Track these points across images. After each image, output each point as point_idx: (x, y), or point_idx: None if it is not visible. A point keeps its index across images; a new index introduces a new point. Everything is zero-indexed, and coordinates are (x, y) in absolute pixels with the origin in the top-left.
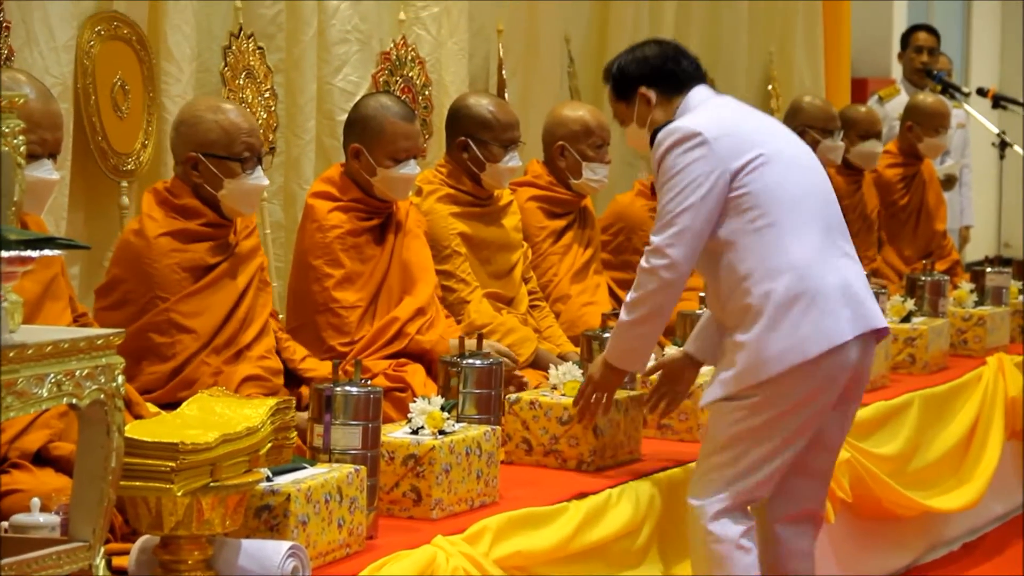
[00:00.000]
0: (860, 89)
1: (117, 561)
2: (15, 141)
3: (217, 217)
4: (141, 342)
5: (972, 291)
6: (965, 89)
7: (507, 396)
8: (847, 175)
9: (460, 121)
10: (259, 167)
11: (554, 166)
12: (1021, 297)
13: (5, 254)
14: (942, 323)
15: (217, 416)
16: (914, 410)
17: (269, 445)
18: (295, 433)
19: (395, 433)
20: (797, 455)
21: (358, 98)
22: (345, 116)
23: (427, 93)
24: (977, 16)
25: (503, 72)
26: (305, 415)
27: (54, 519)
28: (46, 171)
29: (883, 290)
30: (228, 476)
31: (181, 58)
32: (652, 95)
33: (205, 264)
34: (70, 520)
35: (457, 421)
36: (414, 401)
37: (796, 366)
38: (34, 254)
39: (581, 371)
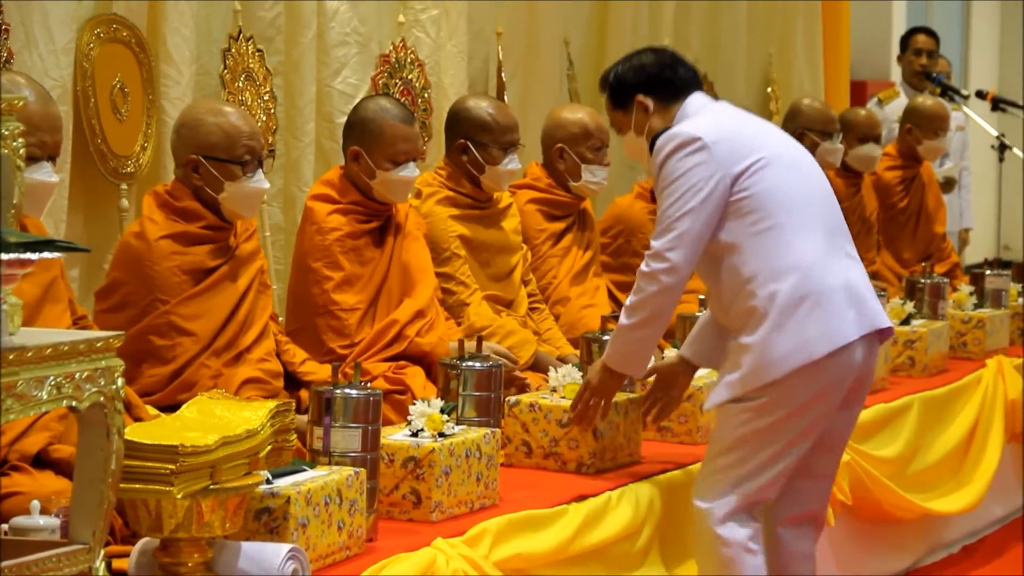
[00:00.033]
0: (859, 91)
1: (117, 564)
2: (14, 144)
3: (218, 220)
4: (141, 345)
5: (971, 294)
6: (964, 92)
7: (507, 399)
8: (846, 178)
9: (459, 124)
10: (260, 170)
11: (553, 168)
12: (1020, 299)
13: (5, 256)
14: (942, 326)
15: (217, 419)
16: (914, 412)
17: (269, 448)
18: (295, 436)
19: (395, 435)
20: (802, 457)
21: (357, 101)
22: (344, 119)
23: (426, 96)
24: (976, 18)
25: (502, 74)
26: (304, 418)
27: (54, 522)
28: (45, 174)
29: (883, 292)
30: (228, 479)
31: (180, 61)
32: (649, 103)
33: (205, 267)
34: (70, 523)
35: (457, 424)
36: (414, 403)
37: (802, 367)
38: (33, 257)
39: (581, 373)
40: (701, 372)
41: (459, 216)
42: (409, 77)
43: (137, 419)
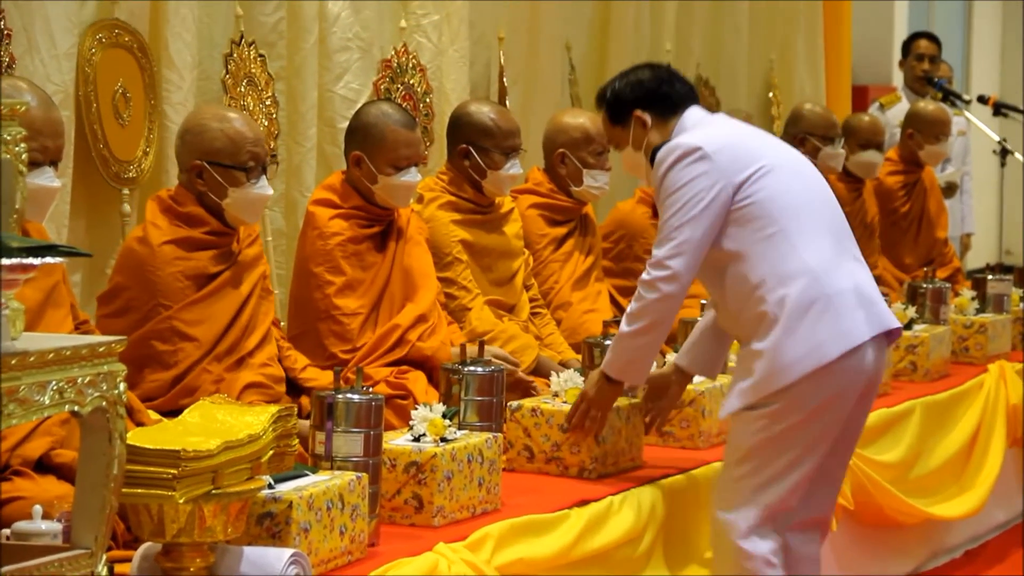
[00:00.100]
0: (861, 96)
1: (119, 568)
2: (17, 149)
3: (221, 225)
4: (143, 350)
5: (973, 298)
6: (966, 97)
7: (508, 403)
8: (848, 183)
9: (461, 128)
10: (263, 176)
11: (555, 173)
12: (1022, 304)
13: (7, 262)
14: (943, 330)
15: (219, 423)
16: (916, 417)
17: (271, 452)
18: (297, 440)
19: (397, 440)
20: (818, 463)
21: (359, 105)
22: (346, 123)
23: (428, 100)
24: (978, 24)
25: (504, 79)
26: (306, 422)
27: (56, 526)
28: (47, 179)
29: (884, 297)
30: (230, 483)
31: (182, 66)
32: (647, 118)
33: (208, 272)
34: (72, 527)
35: (459, 428)
36: (416, 408)
37: (815, 370)
38: (36, 262)
39: (582, 378)
40: (700, 376)
41: (461, 221)
42: (411, 82)
43: (139, 424)
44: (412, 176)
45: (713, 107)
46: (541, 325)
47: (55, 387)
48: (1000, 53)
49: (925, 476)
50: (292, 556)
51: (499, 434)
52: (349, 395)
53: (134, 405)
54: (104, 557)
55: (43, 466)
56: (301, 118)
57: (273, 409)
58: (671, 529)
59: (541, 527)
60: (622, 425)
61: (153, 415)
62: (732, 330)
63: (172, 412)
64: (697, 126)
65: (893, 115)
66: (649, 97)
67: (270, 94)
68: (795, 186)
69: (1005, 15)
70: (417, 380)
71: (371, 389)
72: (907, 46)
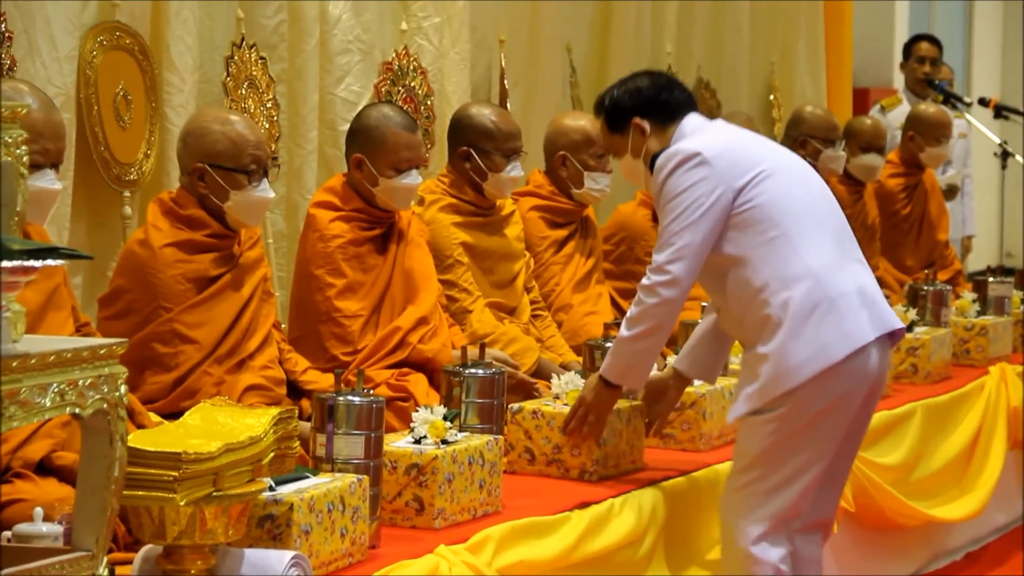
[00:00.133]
0: (862, 99)
1: (120, 571)
2: (18, 151)
3: (222, 228)
4: (144, 352)
5: (974, 301)
6: (967, 99)
7: (509, 406)
8: (849, 185)
9: (462, 131)
10: (265, 180)
11: (556, 176)
12: (1023, 307)
13: (8, 264)
14: (944, 333)
15: (220, 426)
16: (917, 420)
17: (272, 454)
18: (298, 443)
19: (398, 443)
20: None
21: (360, 108)
22: (347, 126)
23: (429, 103)
24: (978, 26)
25: (505, 82)
26: (307, 424)
27: (57, 529)
28: (48, 181)
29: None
30: (231, 485)
31: (183, 68)
32: (646, 125)
33: (209, 275)
34: (73, 529)
35: (459, 431)
36: (416, 410)
37: (820, 372)
38: (37, 264)
39: (583, 380)
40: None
41: (462, 223)
42: (412, 84)
43: (140, 426)
44: (413, 178)
45: (714, 109)
46: (542, 327)
47: (56, 389)
48: (1001, 55)
49: (926, 478)
50: (293, 558)
51: (500, 436)
52: (350, 397)
53: (135, 407)
54: (105, 559)
55: (44, 468)
56: (302, 120)
57: (274, 411)
58: (672, 531)
59: (542, 529)
60: (623, 427)
61: (154, 417)
62: (735, 334)
63: (173, 414)
64: (696, 132)
65: (894, 117)
66: (648, 104)
67: (271, 96)
68: (796, 189)
69: (1006, 16)
70: (418, 382)
71: (372, 391)
72: (908, 48)
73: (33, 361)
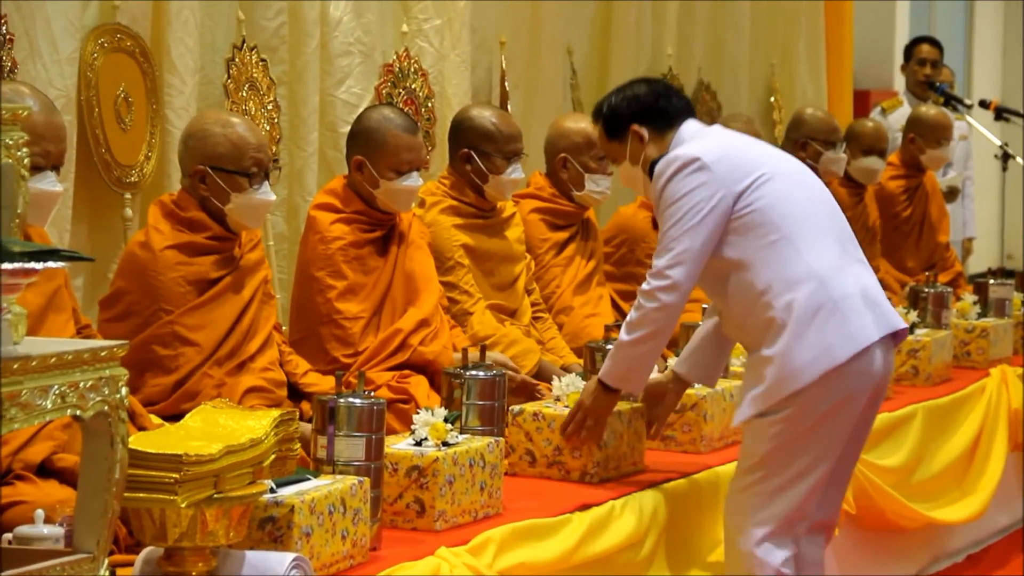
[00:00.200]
0: (862, 101)
1: (121, 572)
2: (19, 153)
3: (223, 230)
4: (144, 354)
5: (975, 303)
6: (967, 101)
7: (510, 407)
8: (849, 187)
9: (463, 133)
10: (266, 182)
11: (557, 178)
12: None
13: (9, 266)
14: (945, 335)
15: (221, 428)
16: (917, 422)
17: (273, 456)
18: (299, 445)
19: (399, 445)
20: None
21: (361, 110)
22: (348, 128)
23: (430, 105)
24: (979, 29)
25: (506, 84)
26: (308, 426)
27: (58, 531)
28: (49, 183)
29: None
30: (232, 487)
31: (184, 70)
32: (644, 132)
33: (210, 277)
34: (74, 532)
35: (460, 433)
36: (417, 413)
37: (825, 374)
38: (38, 266)
39: (584, 382)
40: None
41: (463, 225)
42: (412, 87)
43: (141, 428)
44: (414, 180)
45: (715, 111)
46: (543, 329)
47: (57, 391)
48: (1002, 57)
49: (927, 480)
50: (294, 560)
51: (501, 438)
52: (351, 399)
53: (136, 409)
54: (106, 561)
55: (45, 470)
56: (303, 123)
57: (275, 413)
58: (673, 533)
59: (543, 531)
60: (624, 429)
61: (155, 419)
62: (739, 338)
63: (174, 416)
64: (695, 138)
65: (895, 119)
66: (646, 111)
67: (272, 99)
68: (796, 192)
69: (1006, 19)
70: (419, 384)
71: (373, 393)
72: (909, 50)
73: (34, 363)
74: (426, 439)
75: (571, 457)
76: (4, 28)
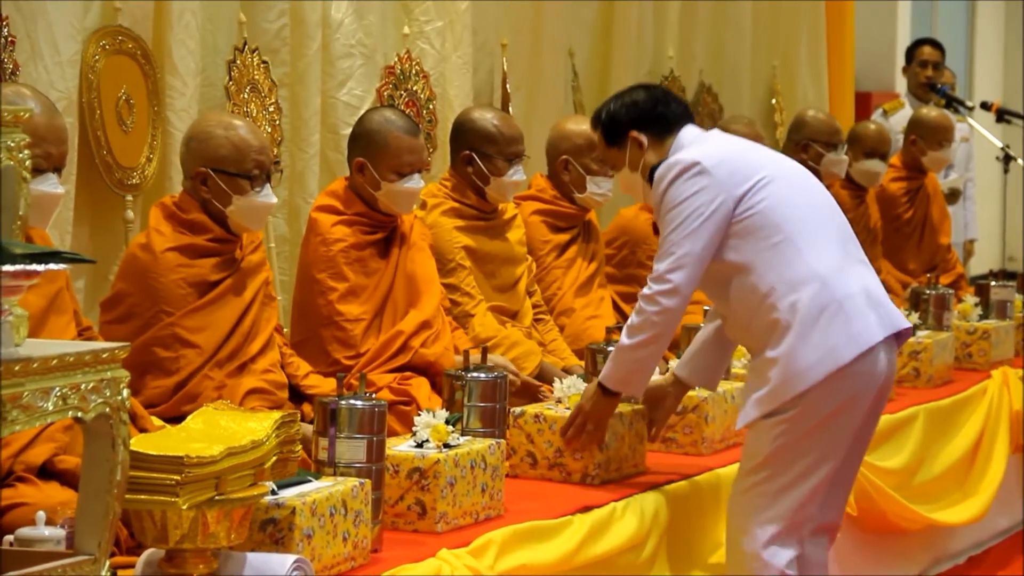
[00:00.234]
0: (864, 103)
1: (122, 574)
2: (20, 155)
3: (224, 233)
4: (145, 356)
5: (976, 305)
6: (969, 103)
7: (511, 409)
8: (851, 190)
9: (464, 135)
10: (268, 184)
11: (558, 180)
12: None
13: (10, 268)
14: (947, 336)
15: (222, 429)
16: (919, 423)
17: (274, 458)
18: (300, 446)
19: (400, 446)
20: (835, 468)
21: (362, 112)
22: (349, 130)
23: (431, 107)
24: (981, 31)
25: (507, 86)
26: (310, 427)
27: (59, 532)
28: (51, 185)
29: None
30: (233, 489)
31: (186, 72)
32: (644, 138)
33: (210, 279)
34: (75, 533)
35: (462, 434)
36: (419, 414)
37: (830, 375)
38: (39, 268)
39: (585, 384)
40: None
41: (464, 227)
42: (414, 88)
43: (142, 430)
44: (415, 182)
45: (716, 113)
46: (544, 331)
47: (58, 393)
48: (1003, 59)
49: (928, 482)
50: (295, 562)
51: (502, 440)
52: (352, 401)
53: (137, 411)
54: (107, 563)
55: (46, 472)
56: (304, 125)
57: (276, 415)
58: (674, 535)
59: (544, 533)
60: (625, 431)
61: (156, 421)
62: (742, 341)
63: (175, 419)
64: (694, 143)
65: (896, 121)
66: (645, 118)
67: (273, 101)
68: (797, 194)
69: (1008, 21)
70: (420, 386)
71: (374, 395)
72: (910, 52)
73: (35, 365)
74: (427, 441)
75: (572, 459)
76: (6, 30)
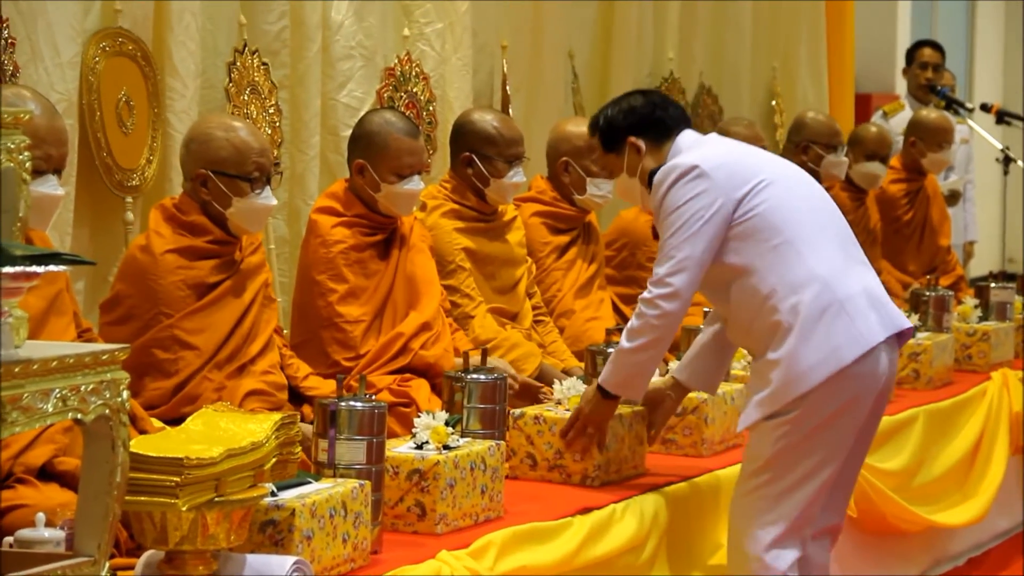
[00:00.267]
0: (864, 105)
1: None
2: (20, 157)
3: (224, 234)
4: (144, 358)
5: (976, 306)
6: (969, 105)
7: (511, 411)
8: (851, 192)
9: (464, 137)
10: (268, 187)
11: (558, 182)
12: None
13: (10, 270)
14: (946, 338)
15: (222, 431)
16: (919, 425)
17: (274, 460)
18: (300, 448)
19: (400, 448)
20: (837, 470)
21: (362, 114)
22: (349, 132)
23: (431, 109)
24: (981, 32)
25: (507, 88)
26: (309, 427)
27: (59, 534)
28: (51, 187)
29: None
30: (233, 491)
31: (186, 74)
32: (641, 144)
33: (209, 281)
34: (75, 535)
35: (461, 436)
36: (418, 416)
37: (832, 375)
38: (39, 269)
39: (586, 386)
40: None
41: (464, 229)
42: (414, 90)
43: (142, 432)
44: (415, 184)
45: (716, 115)
46: (544, 333)
47: (58, 395)
48: (1003, 61)
49: (928, 484)
50: (295, 563)
51: (502, 442)
52: (352, 403)
53: (137, 413)
54: (107, 565)
55: (46, 474)
56: (304, 126)
57: (276, 417)
58: (674, 537)
59: (544, 535)
60: (625, 433)
61: (156, 423)
62: (743, 343)
63: (174, 420)
64: (692, 147)
65: (896, 123)
66: (642, 123)
67: (273, 102)
68: (796, 196)
69: (1008, 22)
70: (420, 388)
71: (374, 397)
72: (911, 54)
73: (35, 367)
74: (427, 442)
75: (572, 460)
76: (6, 32)
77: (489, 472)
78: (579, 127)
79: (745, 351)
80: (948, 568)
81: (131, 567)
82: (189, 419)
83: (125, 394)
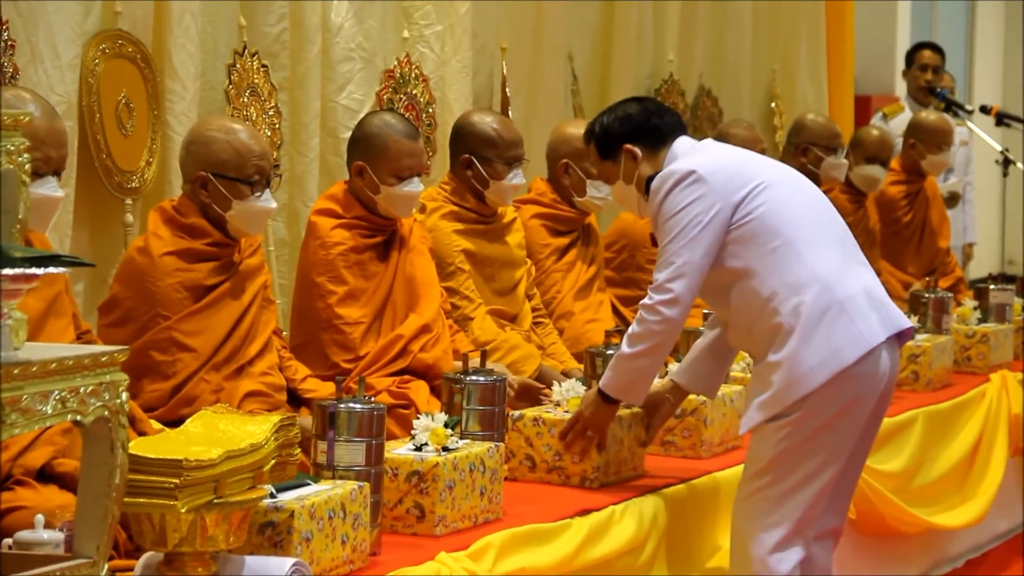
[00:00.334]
0: (864, 107)
1: None
2: (20, 159)
3: (223, 237)
4: (142, 360)
5: (976, 308)
6: (968, 107)
7: (510, 413)
8: (850, 194)
9: (464, 139)
10: (267, 189)
11: (558, 184)
12: None
13: (10, 271)
14: (946, 340)
15: (221, 433)
16: (918, 427)
17: (273, 461)
18: (299, 449)
19: (399, 450)
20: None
21: (362, 116)
22: (349, 134)
23: (431, 111)
24: (981, 33)
25: (507, 90)
26: (307, 421)
27: (58, 536)
28: (51, 188)
29: None
30: (232, 492)
31: (185, 76)
32: (637, 151)
33: (208, 284)
34: (74, 537)
35: (460, 438)
36: (418, 418)
37: (833, 376)
38: (38, 271)
39: (585, 387)
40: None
41: (463, 231)
42: (413, 92)
43: (141, 433)
44: (414, 186)
45: (716, 117)
46: (543, 335)
47: (57, 397)
48: (1003, 63)
49: (927, 486)
50: (294, 565)
51: (501, 443)
52: (351, 404)
53: (136, 414)
54: (106, 566)
55: (45, 475)
56: (304, 128)
57: (275, 418)
58: (673, 538)
59: (543, 536)
60: (624, 435)
61: (155, 424)
62: (744, 346)
63: (173, 422)
64: (688, 153)
65: (896, 125)
66: (638, 130)
67: (273, 104)
68: (794, 199)
69: (1007, 24)
70: (419, 390)
71: (373, 399)
72: (910, 56)
73: (34, 368)
74: (426, 444)
75: (571, 462)
76: (6, 34)
77: (488, 474)
78: (579, 129)
79: (745, 353)
80: (947, 570)
81: (130, 569)
82: (188, 421)
83: (124, 396)
